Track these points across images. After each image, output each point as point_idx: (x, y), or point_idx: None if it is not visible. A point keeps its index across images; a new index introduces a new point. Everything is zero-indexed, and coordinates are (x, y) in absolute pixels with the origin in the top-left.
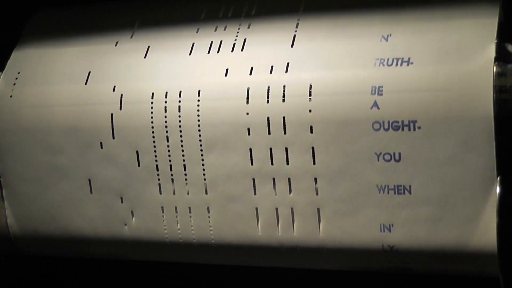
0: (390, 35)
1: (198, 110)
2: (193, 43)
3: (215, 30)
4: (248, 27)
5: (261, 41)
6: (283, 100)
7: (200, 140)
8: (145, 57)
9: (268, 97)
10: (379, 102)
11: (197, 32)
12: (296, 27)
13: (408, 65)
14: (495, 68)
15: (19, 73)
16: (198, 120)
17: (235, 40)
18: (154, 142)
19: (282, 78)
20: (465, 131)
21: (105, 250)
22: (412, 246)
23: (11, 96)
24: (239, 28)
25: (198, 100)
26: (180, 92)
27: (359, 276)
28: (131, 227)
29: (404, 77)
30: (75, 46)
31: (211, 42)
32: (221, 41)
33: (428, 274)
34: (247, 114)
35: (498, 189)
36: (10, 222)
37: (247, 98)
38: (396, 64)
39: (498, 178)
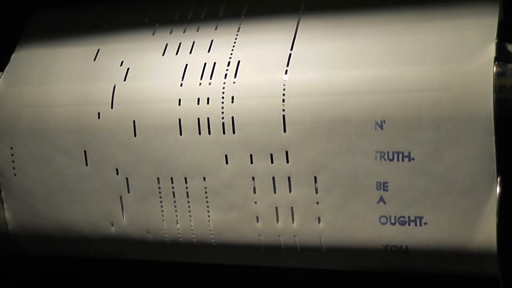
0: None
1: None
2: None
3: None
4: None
5: (261, 41)
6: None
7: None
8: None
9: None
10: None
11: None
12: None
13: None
14: (495, 68)
15: (19, 73)
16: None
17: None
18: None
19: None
20: (465, 131)
21: (105, 249)
22: (412, 246)
23: (11, 96)
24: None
25: (198, 99)
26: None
27: (359, 276)
28: (131, 227)
29: (405, 75)
30: (75, 46)
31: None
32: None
33: (428, 274)
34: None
35: (498, 189)
36: (10, 222)
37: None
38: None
39: (498, 178)
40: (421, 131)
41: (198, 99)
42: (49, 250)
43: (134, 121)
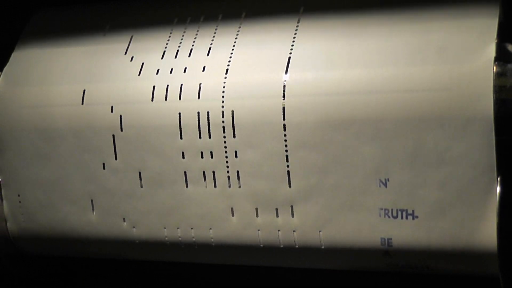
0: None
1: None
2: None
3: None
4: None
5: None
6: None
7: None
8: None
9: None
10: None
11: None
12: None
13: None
14: (495, 68)
15: (19, 73)
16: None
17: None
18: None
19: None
20: (465, 131)
21: (105, 250)
22: (412, 246)
23: (11, 96)
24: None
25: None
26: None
27: (359, 276)
28: (131, 227)
29: (405, 75)
30: (75, 46)
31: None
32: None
33: (428, 274)
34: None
35: (498, 189)
36: (10, 222)
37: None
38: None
39: (498, 178)
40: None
41: (201, 152)
42: (48, 250)
43: (139, 173)
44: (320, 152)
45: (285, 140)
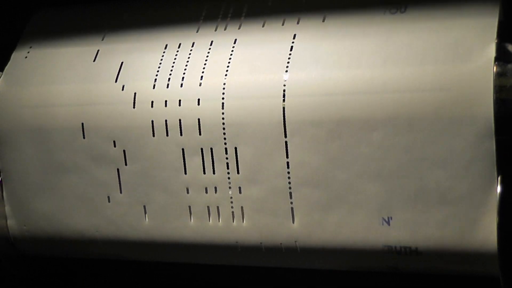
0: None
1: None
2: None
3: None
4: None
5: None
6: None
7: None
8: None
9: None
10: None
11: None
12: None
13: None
14: (495, 68)
15: (19, 73)
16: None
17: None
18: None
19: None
20: (465, 131)
21: (105, 250)
22: (412, 246)
23: (11, 96)
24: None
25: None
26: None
27: (359, 276)
28: (132, 227)
29: (405, 75)
30: (75, 46)
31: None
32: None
33: (428, 274)
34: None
35: (498, 189)
36: (10, 222)
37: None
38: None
39: (498, 178)
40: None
41: (206, 188)
42: (49, 251)
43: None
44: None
45: (289, 177)
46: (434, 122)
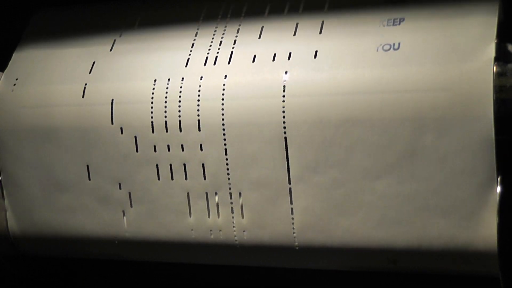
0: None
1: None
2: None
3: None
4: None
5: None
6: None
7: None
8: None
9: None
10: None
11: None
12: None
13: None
14: (495, 68)
15: (19, 73)
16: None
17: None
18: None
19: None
20: (465, 131)
21: (106, 250)
22: (412, 246)
23: (11, 96)
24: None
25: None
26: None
27: (359, 276)
28: (131, 227)
29: (404, 75)
30: (75, 46)
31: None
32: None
33: (428, 274)
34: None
35: (498, 189)
36: (10, 223)
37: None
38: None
39: (498, 178)
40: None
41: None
42: (49, 250)
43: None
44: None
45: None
46: (434, 122)
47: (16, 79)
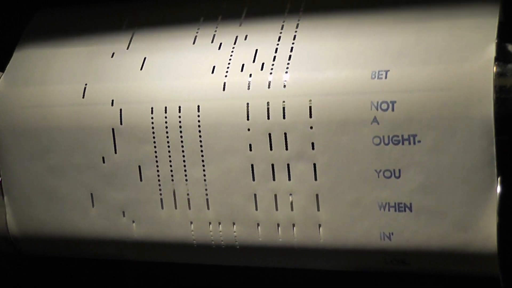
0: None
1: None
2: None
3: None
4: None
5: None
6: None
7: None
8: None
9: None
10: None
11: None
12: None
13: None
14: (495, 68)
15: (19, 73)
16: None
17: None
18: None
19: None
20: (465, 131)
21: (105, 250)
22: (412, 246)
23: (11, 96)
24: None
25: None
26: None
27: (359, 276)
28: (132, 227)
29: (404, 75)
30: (75, 46)
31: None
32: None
33: (428, 274)
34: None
35: (498, 189)
36: (10, 222)
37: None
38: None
39: (498, 178)
40: None
41: None
42: (49, 250)
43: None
44: None
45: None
46: (434, 122)
47: (16, 79)
